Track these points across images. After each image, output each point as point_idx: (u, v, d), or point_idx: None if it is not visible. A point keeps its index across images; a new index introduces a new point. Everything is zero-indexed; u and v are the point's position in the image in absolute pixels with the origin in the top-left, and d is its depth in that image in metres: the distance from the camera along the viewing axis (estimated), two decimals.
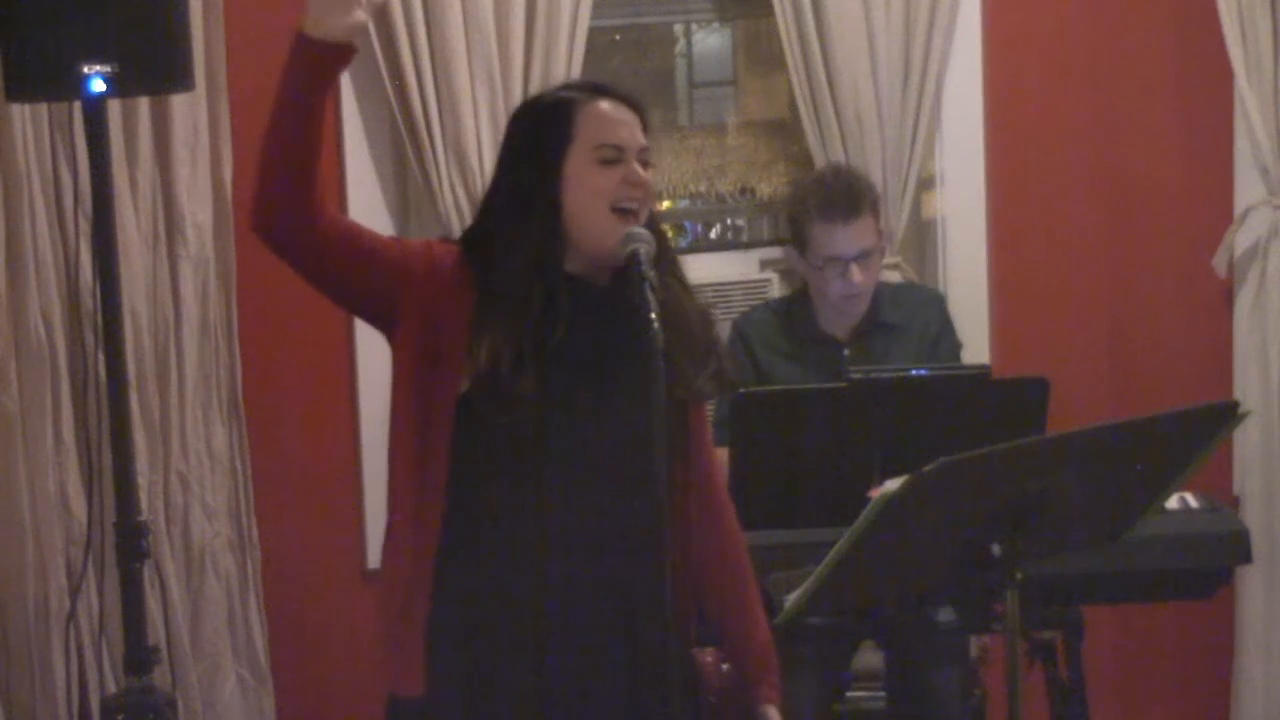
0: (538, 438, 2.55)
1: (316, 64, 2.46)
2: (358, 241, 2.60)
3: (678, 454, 2.62)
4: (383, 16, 3.88)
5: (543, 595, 2.58)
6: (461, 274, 2.60)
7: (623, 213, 2.58)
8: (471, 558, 2.60)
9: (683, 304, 2.67)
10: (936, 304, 4.01)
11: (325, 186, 2.55)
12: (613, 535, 2.57)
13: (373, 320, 2.67)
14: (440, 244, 2.69)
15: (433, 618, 2.59)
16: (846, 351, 3.88)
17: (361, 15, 2.45)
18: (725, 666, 2.84)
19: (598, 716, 2.62)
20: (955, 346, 3.96)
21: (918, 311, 3.95)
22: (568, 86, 2.73)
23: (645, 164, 2.63)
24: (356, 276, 2.59)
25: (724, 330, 3.32)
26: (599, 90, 2.66)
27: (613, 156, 2.60)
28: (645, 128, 2.67)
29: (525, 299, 2.56)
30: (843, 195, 3.79)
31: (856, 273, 3.78)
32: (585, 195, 2.59)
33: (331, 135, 3.97)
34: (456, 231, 3.94)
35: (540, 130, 2.64)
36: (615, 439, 2.57)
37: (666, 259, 2.67)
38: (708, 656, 2.83)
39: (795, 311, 3.94)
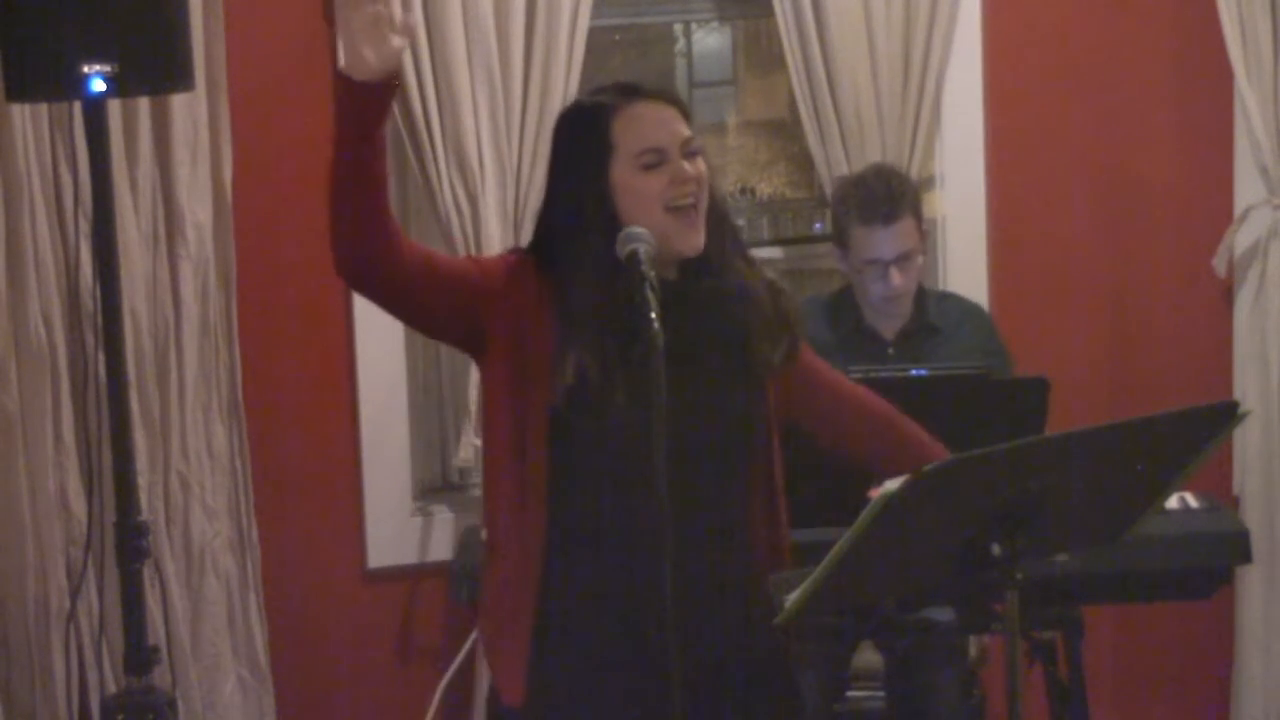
0: (633, 440, 2.50)
1: (366, 103, 2.43)
2: (440, 270, 2.60)
3: (758, 430, 2.67)
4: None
5: (650, 598, 2.49)
6: (538, 286, 2.60)
7: (677, 210, 2.59)
8: (576, 565, 2.60)
9: (751, 283, 2.70)
10: (978, 316, 4.01)
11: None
12: (715, 527, 2.60)
13: (462, 345, 2.69)
14: (514, 257, 2.69)
15: (537, 626, 2.60)
16: (892, 350, 3.87)
17: (398, 41, 2.41)
18: None
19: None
20: (1008, 363, 3.91)
21: (960, 320, 3.95)
22: (601, 90, 2.71)
23: (693, 154, 2.62)
24: (444, 305, 2.59)
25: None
26: (631, 92, 2.65)
27: (655, 160, 2.59)
28: (687, 118, 2.66)
29: (604, 315, 2.55)
30: (882, 197, 3.78)
31: (895, 275, 3.78)
32: (637, 202, 2.58)
33: None
34: (456, 231, 3.95)
35: (581, 143, 2.63)
36: (709, 426, 2.58)
37: (731, 240, 2.70)
38: None
39: (843, 306, 3.94)
